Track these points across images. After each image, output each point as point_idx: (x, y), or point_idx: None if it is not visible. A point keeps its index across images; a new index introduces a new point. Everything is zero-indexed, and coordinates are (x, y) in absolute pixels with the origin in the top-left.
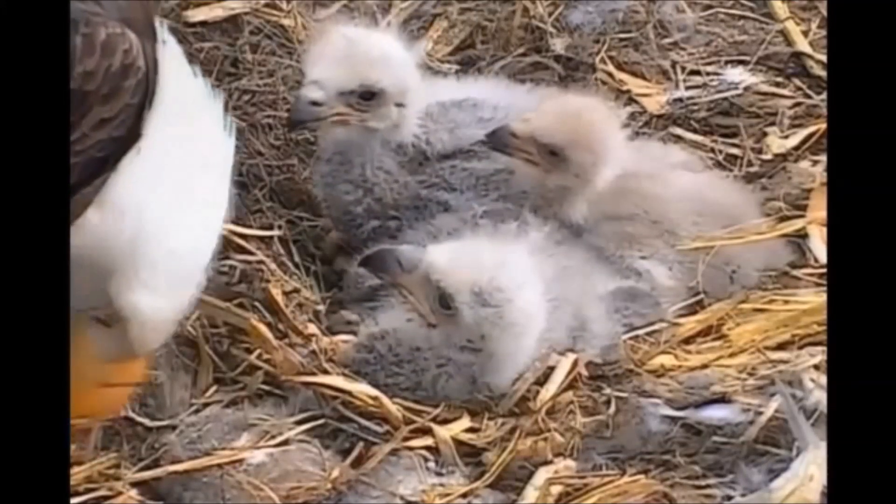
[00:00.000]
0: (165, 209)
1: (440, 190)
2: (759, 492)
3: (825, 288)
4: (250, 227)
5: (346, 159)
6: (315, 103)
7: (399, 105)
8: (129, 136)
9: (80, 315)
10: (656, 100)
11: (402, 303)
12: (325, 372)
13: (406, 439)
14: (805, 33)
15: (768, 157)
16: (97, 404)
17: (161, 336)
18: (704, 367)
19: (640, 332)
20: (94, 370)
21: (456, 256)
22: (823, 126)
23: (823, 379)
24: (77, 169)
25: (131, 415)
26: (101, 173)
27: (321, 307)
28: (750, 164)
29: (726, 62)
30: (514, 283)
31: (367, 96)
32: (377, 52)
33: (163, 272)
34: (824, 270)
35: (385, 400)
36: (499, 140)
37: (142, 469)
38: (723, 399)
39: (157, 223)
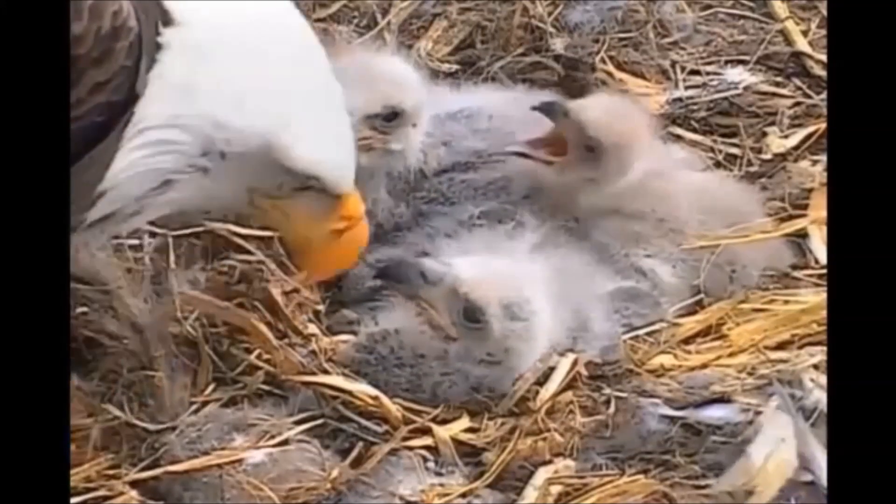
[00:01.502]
0: None
1: (439, 204)
2: (736, 463)
3: (825, 288)
4: (250, 227)
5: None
6: None
7: (414, 125)
8: (127, 99)
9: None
10: (656, 99)
11: (418, 314)
12: (325, 372)
13: (406, 439)
14: (805, 33)
15: (768, 156)
16: (329, 259)
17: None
18: (704, 366)
19: (640, 332)
20: (315, 229)
21: (482, 269)
22: (823, 126)
23: (823, 379)
24: (80, 133)
25: (130, 416)
26: (104, 137)
27: (321, 307)
28: (750, 163)
29: (726, 62)
30: (537, 294)
31: (391, 117)
32: (392, 72)
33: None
34: (824, 271)
35: (385, 400)
36: (550, 112)
37: (141, 469)
38: (722, 399)
39: None
